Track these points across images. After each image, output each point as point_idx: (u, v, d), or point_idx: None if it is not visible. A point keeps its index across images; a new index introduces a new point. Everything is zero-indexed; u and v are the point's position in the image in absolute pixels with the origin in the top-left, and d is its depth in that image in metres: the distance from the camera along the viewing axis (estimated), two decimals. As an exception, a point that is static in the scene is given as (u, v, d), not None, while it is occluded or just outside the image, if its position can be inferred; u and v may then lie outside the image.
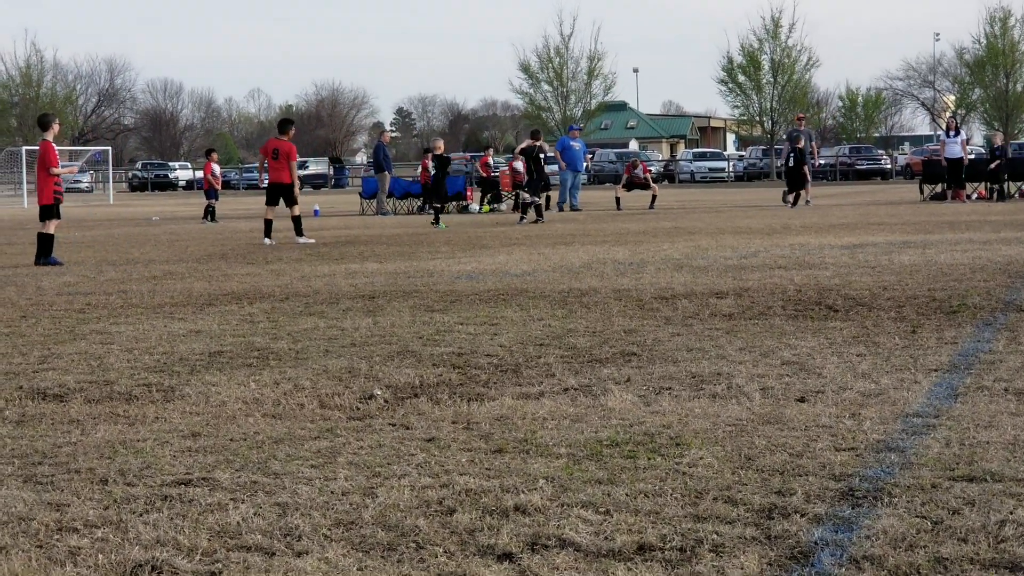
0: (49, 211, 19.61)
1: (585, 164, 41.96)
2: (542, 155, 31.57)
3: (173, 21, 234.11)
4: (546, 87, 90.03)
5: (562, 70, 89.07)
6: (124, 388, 8.26)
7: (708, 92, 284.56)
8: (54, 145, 19.97)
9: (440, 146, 31.97)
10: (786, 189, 38.38)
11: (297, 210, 24.33)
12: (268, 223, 24.27)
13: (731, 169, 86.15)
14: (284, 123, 25.65)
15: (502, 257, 18.61)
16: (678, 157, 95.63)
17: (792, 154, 37.85)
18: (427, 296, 13.25)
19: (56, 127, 20.08)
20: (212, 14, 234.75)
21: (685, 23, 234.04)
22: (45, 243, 19.47)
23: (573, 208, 37.57)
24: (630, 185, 39.86)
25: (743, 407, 7.21)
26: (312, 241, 23.74)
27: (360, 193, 42.99)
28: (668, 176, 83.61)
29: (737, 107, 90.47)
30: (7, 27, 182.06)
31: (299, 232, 23.93)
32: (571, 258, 18.03)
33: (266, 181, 25.88)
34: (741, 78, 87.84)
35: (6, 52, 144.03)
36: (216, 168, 37.46)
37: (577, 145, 38.15)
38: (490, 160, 41.28)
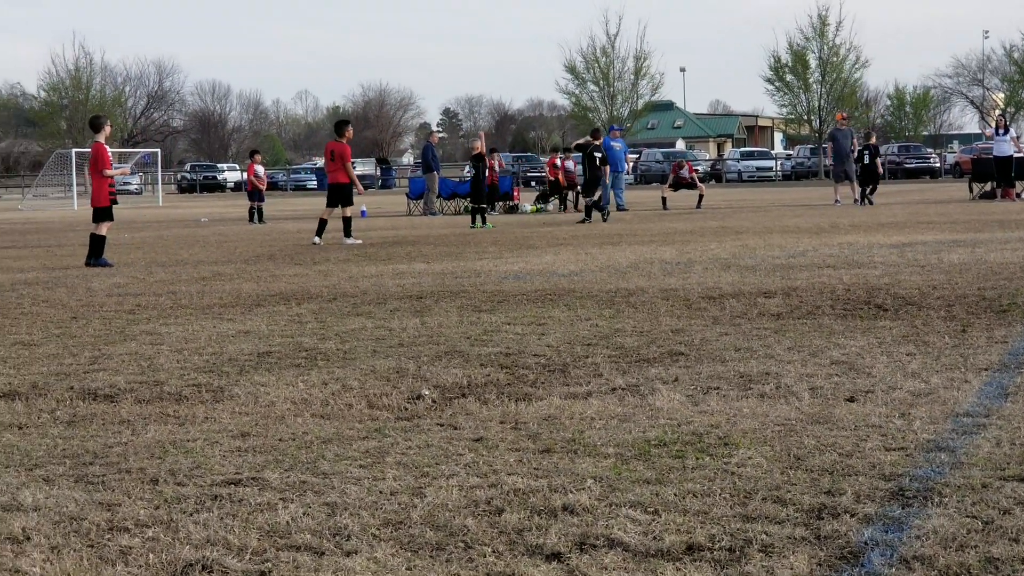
0: (104, 213, 19.79)
1: (627, 164, 41.82)
2: (597, 154, 31.21)
3: (221, 23, 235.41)
4: (592, 87, 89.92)
5: (608, 70, 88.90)
6: (174, 388, 8.31)
7: (755, 91, 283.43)
8: (106, 147, 20.12)
9: (479, 145, 31.96)
10: (859, 188, 37.95)
11: (349, 211, 24.42)
12: (322, 223, 24.36)
13: (778, 168, 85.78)
14: (340, 124, 25.76)
15: (549, 257, 18.61)
16: (725, 156, 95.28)
17: (866, 151, 37.77)
18: (474, 296, 13.26)
19: (108, 129, 20.25)
20: (260, 16, 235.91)
21: (732, 22, 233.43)
22: (97, 244, 19.64)
23: (620, 208, 37.47)
24: (676, 185, 39.74)
25: (792, 407, 7.18)
26: (359, 242, 23.81)
27: (407, 194, 43.07)
28: (715, 176, 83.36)
29: (785, 106, 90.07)
30: (57, 30, 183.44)
31: (348, 233, 24.01)
32: (618, 258, 18.01)
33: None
34: (789, 77, 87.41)
35: (55, 55, 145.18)
36: (260, 169, 37.58)
37: (618, 146, 38.07)
38: (558, 161, 40.91)
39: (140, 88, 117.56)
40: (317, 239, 23.84)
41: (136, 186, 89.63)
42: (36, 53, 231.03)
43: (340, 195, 24.46)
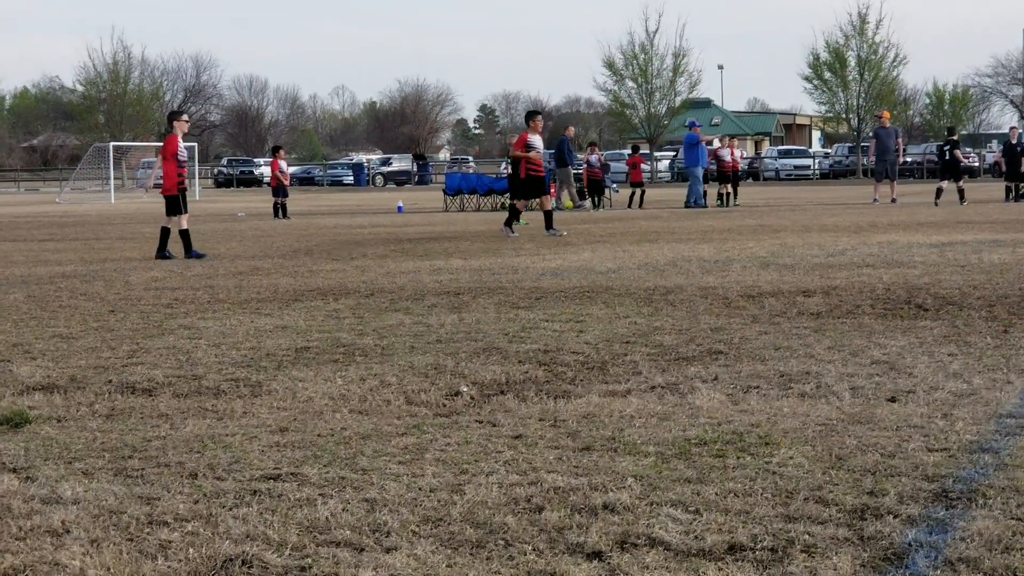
0: (174, 205, 19.93)
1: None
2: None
3: (259, 18, 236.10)
4: (631, 84, 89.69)
5: (647, 67, 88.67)
6: (212, 383, 8.31)
7: (793, 89, 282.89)
8: (178, 140, 20.22)
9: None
10: (940, 186, 37.54)
11: (548, 203, 24.66)
12: (515, 212, 24.61)
13: (816, 167, 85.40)
14: (531, 114, 25.68)
15: (587, 254, 18.56)
16: (763, 154, 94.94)
17: (947, 147, 37.57)
18: (512, 293, 13.23)
19: (183, 124, 20.35)
20: (297, 11, 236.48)
21: (770, 19, 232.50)
22: (164, 235, 19.83)
23: (699, 204, 37.33)
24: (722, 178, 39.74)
25: (833, 407, 7.13)
26: (564, 233, 23.94)
27: (444, 190, 43.07)
28: (752, 174, 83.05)
29: (823, 104, 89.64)
30: (95, 25, 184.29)
31: (549, 225, 24.10)
32: (656, 255, 17.95)
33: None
34: (827, 75, 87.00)
35: (92, 49, 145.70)
36: (284, 165, 37.73)
37: (707, 138, 38.41)
38: (592, 159, 40.82)
39: (178, 82, 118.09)
40: (509, 231, 23.89)
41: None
42: (73, 47, 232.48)
43: (537, 187, 24.52)
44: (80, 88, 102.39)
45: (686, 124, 43.20)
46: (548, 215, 24.58)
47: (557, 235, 23.66)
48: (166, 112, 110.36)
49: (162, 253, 19.65)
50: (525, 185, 24.63)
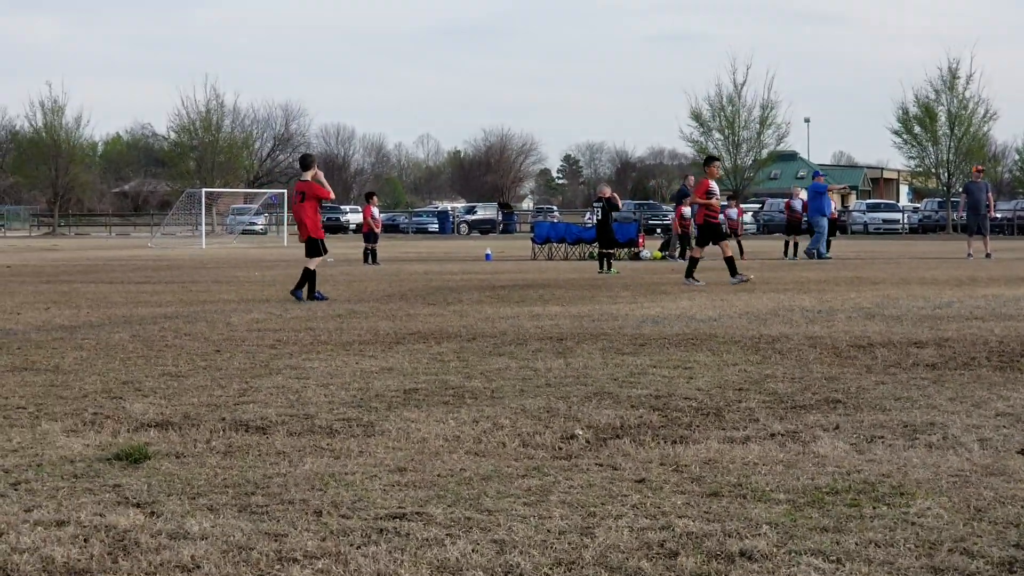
0: (316, 248, 20.13)
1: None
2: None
3: (347, 68, 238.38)
4: (717, 135, 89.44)
5: (735, 119, 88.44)
6: (324, 422, 8.27)
7: (879, 143, 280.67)
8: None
9: (607, 191, 31.80)
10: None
11: (729, 250, 24.42)
12: (695, 261, 24.46)
13: (905, 221, 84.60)
14: (709, 160, 25.72)
15: (685, 302, 18.40)
16: (851, 208, 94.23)
17: None
18: (615, 339, 13.11)
19: (315, 169, 20.53)
20: (385, 61, 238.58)
21: (856, 73, 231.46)
22: (309, 277, 19.94)
23: (821, 256, 36.88)
24: (789, 229, 39.41)
25: (962, 458, 6.94)
26: (750, 278, 23.78)
27: (532, 239, 43.02)
28: (840, 227, 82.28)
29: (913, 158, 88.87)
30: (186, 73, 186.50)
31: (733, 272, 23.90)
32: (756, 304, 17.75)
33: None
34: (917, 129, 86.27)
35: (186, 96, 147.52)
36: (375, 211, 37.80)
37: (833, 186, 37.96)
38: (685, 211, 39.96)
39: (267, 130, 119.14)
40: (693, 280, 23.75)
41: (261, 226, 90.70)
42: (165, 94, 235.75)
43: (712, 233, 24.44)
44: (173, 135, 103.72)
45: (812, 174, 42.66)
46: (730, 262, 24.12)
47: (743, 280, 23.33)
48: (255, 159, 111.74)
49: (312, 294, 19.81)
50: (702, 231, 24.45)
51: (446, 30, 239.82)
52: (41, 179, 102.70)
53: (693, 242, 26.67)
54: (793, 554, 5.10)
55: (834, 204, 40.96)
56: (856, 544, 5.23)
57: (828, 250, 37.65)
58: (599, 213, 31.61)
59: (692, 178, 41.44)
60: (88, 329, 14.91)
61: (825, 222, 37.66)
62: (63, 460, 7.08)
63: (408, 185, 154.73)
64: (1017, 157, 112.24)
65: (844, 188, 39.41)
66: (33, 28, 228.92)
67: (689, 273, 23.89)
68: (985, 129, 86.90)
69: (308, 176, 20.37)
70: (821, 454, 7.10)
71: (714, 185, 24.48)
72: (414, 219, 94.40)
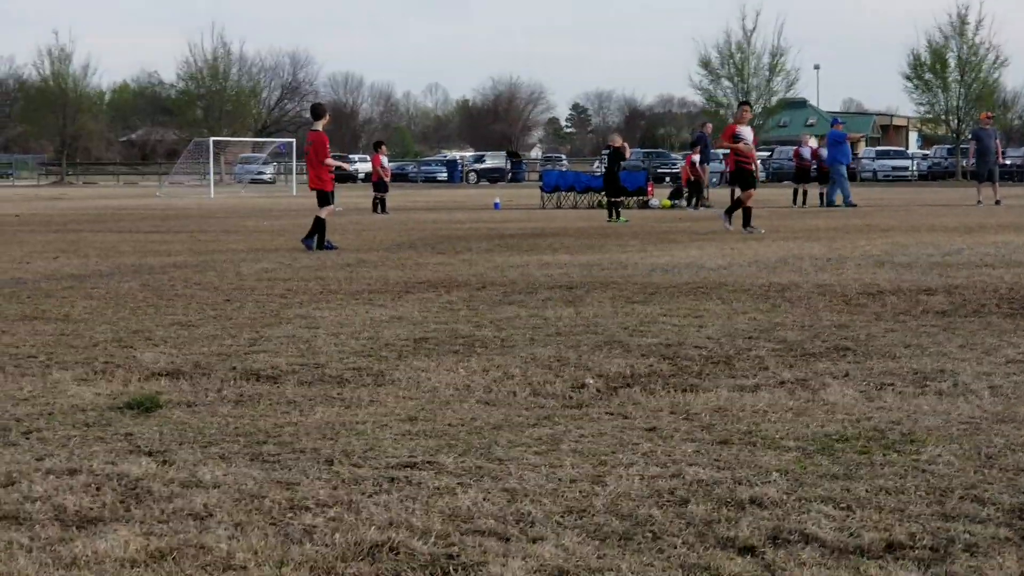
0: (326, 198, 20.14)
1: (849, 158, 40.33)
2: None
3: (355, 16, 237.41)
4: (726, 83, 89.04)
5: (744, 66, 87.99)
6: (335, 371, 8.28)
7: (889, 90, 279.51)
8: (326, 136, 20.46)
9: (618, 141, 31.68)
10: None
11: (751, 200, 24.02)
12: (738, 203, 24.20)
13: (915, 168, 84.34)
14: (739, 105, 25.58)
15: (694, 251, 18.39)
16: (860, 155, 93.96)
17: None
18: (625, 288, 13.11)
19: (327, 118, 20.56)
20: (392, 10, 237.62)
21: (866, 19, 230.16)
22: (319, 226, 19.91)
23: (847, 202, 36.65)
24: (798, 177, 39.19)
25: (973, 405, 6.95)
26: (762, 231, 23.35)
27: (541, 187, 42.97)
28: (850, 174, 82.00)
29: (923, 105, 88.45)
30: (193, 21, 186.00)
31: (747, 222, 23.48)
32: (765, 253, 17.74)
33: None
34: (928, 75, 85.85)
35: (193, 44, 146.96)
36: (384, 160, 37.65)
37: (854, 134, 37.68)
38: (695, 159, 39.64)
39: (275, 79, 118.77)
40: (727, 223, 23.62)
41: (270, 175, 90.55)
42: (172, 42, 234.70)
43: (746, 179, 24.20)
44: (180, 84, 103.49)
45: (831, 122, 42.20)
46: (748, 212, 23.73)
47: (756, 232, 22.85)
48: (263, 108, 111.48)
49: (322, 243, 19.78)
50: (734, 176, 24.25)
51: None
52: (48, 128, 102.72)
53: (737, 190, 26.11)
54: (803, 501, 5.11)
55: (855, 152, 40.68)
56: (866, 491, 5.24)
57: (850, 196, 37.42)
58: (607, 162, 31.55)
59: (710, 125, 41.28)
60: (98, 278, 14.94)
61: (844, 170, 37.55)
62: (74, 409, 7.11)
63: (416, 134, 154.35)
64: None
65: (862, 136, 39.07)
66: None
67: (747, 222, 23.44)
68: (995, 76, 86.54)
69: (319, 126, 20.35)
70: (831, 402, 7.10)
71: (743, 130, 24.17)
72: (423, 168, 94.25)
